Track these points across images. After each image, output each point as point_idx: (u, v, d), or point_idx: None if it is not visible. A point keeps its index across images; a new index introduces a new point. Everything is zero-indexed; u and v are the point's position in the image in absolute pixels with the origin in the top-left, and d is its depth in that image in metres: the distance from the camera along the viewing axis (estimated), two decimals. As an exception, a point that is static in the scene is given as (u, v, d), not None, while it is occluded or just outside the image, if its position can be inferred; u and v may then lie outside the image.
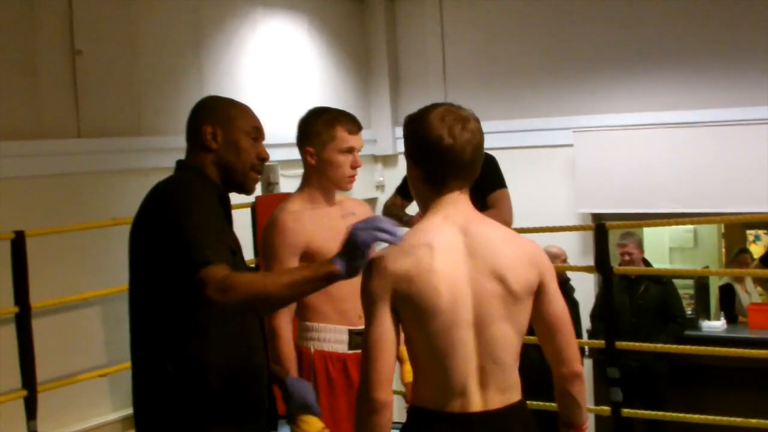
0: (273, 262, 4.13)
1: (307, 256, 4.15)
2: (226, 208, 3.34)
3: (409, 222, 6.36)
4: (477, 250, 2.99)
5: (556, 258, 7.87)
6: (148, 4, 7.27)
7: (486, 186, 6.30)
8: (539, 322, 3.11)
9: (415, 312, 2.95)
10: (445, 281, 2.93)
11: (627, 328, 7.41)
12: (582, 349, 8.00)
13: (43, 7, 6.49)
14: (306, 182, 4.37)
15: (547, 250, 7.79)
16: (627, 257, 7.80)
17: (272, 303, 3.15)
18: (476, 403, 2.99)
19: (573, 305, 8.02)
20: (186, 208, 3.13)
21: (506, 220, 6.29)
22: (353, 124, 4.31)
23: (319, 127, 4.29)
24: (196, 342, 3.14)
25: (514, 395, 3.09)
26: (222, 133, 3.35)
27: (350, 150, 4.28)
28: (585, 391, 3.21)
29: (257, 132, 3.43)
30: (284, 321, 4.13)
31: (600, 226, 6.03)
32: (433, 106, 3.16)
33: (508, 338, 3.01)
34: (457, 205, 3.10)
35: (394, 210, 6.46)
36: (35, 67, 6.43)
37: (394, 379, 3.01)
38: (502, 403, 3.03)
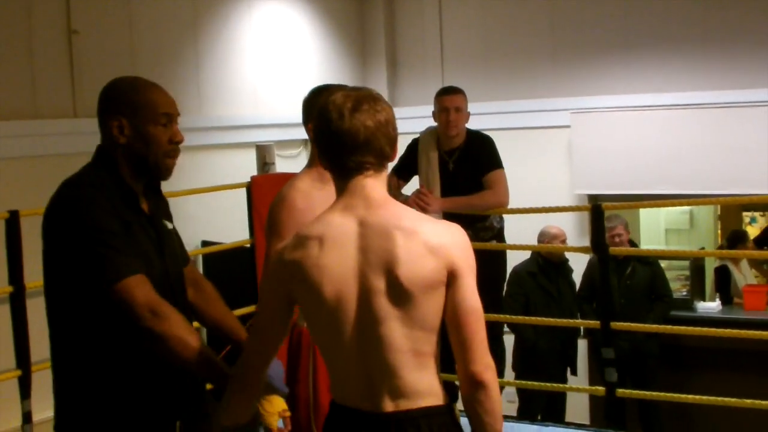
0: (275, 238, 4.09)
1: None
2: (133, 206, 3.21)
3: (404, 202, 6.37)
4: (371, 243, 2.82)
5: (555, 238, 7.88)
6: (145, -17, 7.26)
7: (482, 167, 6.32)
8: (449, 318, 2.85)
9: (304, 306, 2.88)
10: (330, 277, 2.80)
11: (616, 310, 7.43)
12: (578, 330, 8.04)
13: (39, -14, 6.48)
14: (313, 160, 4.33)
15: (545, 231, 7.81)
16: (617, 239, 7.80)
17: (172, 352, 3.04)
18: (366, 403, 2.85)
19: (571, 287, 8.04)
20: (81, 223, 3.06)
21: (502, 201, 6.31)
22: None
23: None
24: (101, 344, 3.12)
25: (415, 402, 2.87)
26: (128, 124, 3.20)
27: None
28: (494, 402, 2.87)
29: (168, 117, 3.24)
30: None
31: (596, 207, 6.01)
32: (331, 91, 3.05)
33: (399, 340, 2.80)
34: (362, 192, 2.89)
35: (389, 191, 6.45)
36: (32, 47, 6.42)
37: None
38: (395, 408, 2.83)
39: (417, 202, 6.28)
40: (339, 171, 2.92)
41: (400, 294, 2.77)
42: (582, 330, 8.21)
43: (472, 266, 2.90)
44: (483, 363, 2.84)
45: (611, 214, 7.91)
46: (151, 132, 3.20)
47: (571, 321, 7.62)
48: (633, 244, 8.22)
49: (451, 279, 2.83)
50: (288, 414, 3.63)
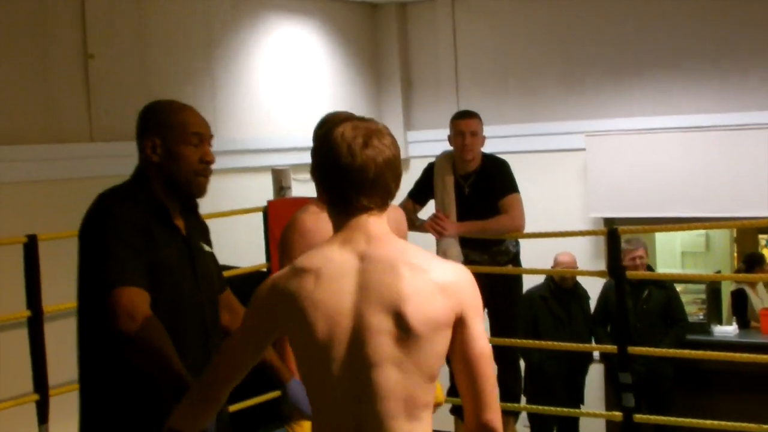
0: (287, 260, 4.15)
1: None
2: (166, 221, 3.32)
3: (420, 226, 6.38)
4: (372, 279, 2.63)
5: (567, 266, 7.86)
6: (161, 8, 7.28)
7: (497, 191, 6.32)
8: (457, 364, 2.72)
9: (294, 341, 2.71)
10: (324, 314, 2.62)
11: (631, 333, 7.40)
12: (588, 357, 7.99)
13: (56, 11, 6.51)
14: None
15: (557, 259, 7.78)
16: (638, 261, 7.78)
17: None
18: None
19: (583, 313, 8.03)
20: (98, 230, 3.20)
21: (517, 225, 6.30)
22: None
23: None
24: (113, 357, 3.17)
25: None
26: (161, 143, 3.34)
27: None
28: None
29: (198, 137, 3.38)
30: None
31: (612, 231, 6.00)
32: (338, 121, 2.87)
33: (394, 386, 2.61)
34: (364, 227, 2.72)
35: (405, 214, 6.46)
36: (48, 71, 6.45)
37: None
38: None
39: (433, 227, 6.28)
40: (342, 207, 2.75)
41: (404, 334, 2.59)
42: (598, 355, 8.19)
43: (480, 308, 2.72)
44: (495, 409, 2.73)
45: (632, 237, 7.90)
46: (182, 151, 3.33)
47: (587, 345, 7.59)
48: (649, 268, 8.20)
49: (460, 322, 2.66)
50: None
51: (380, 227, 2.75)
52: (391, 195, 2.79)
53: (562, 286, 8.00)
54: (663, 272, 8.43)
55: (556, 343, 7.03)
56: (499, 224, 6.29)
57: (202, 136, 3.39)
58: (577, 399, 7.92)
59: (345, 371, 2.61)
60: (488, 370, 2.73)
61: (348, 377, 2.61)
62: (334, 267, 2.67)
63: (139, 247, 3.14)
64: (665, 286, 8.03)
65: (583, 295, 8.11)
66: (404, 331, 2.59)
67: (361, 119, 2.86)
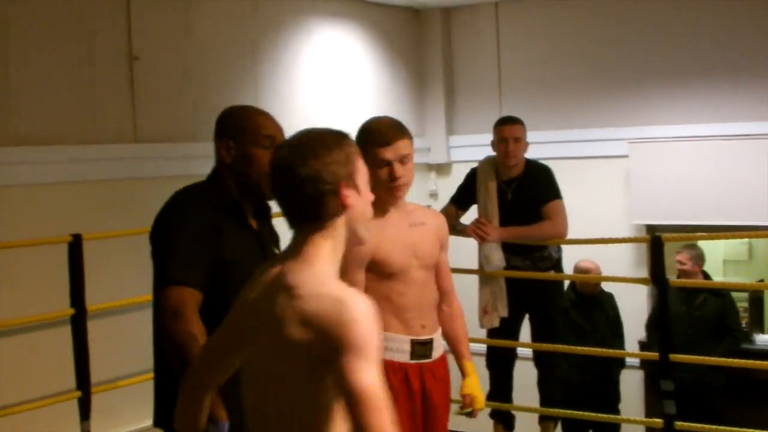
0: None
1: (373, 266, 4.16)
2: (239, 218, 3.44)
3: (463, 231, 6.39)
4: (262, 299, 2.62)
5: (589, 273, 7.77)
6: (206, 11, 7.33)
7: (540, 197, 6.32)
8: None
9: None
10: (241, 331, 2.67)
11: (682, 340, 7.34)
12: (616, 364, 7.88)
13: (101, 14, 6.56)
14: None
15: (578, 265, 7.68)
16: (678, 266, 7.75)
17: (176, 354, 3.13)
18: None
19: (607, 320, 7.92)
20: (166, 226, 3.36)
21: (560, 231, 6.29)
22: (383, 135, 4.21)
23: (361, 142, 4.17)
24: None
25: None
26: (235, 146, 3.48)
27: (387, 163, 4.18)
28: None
29: (270, 140, 3.49)
30: None
31: (656, 239, 5.95)
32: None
33: (283, 417, 2.57)
34: (288, 250, 2.70)
35: (447, 219, 6.47)
36: (93, 73, 6.50)
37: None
38: None
39: (476, 231, 6.28)
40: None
41: (278, 364, 2.55)
42: (638, 360, 8.14)
43: (361, 346, 2.44)
44: None
45: (686, 244, 7.85)
46: (253, 153, 3.47)
47: (630, 352, 7.55)
48: (706, 275, 8.12)
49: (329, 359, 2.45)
50: None
51: (300, 246, 2.68)
52: (297, 211, 2.69)
53: (584, 294, 7.91)
54: (710, 280, 8.31)
55: (599, 349, 6.98)
56: (541, 230, 6.28)
57: (274, 139, 3.50)
58: (608, 408, 7.84)
59: (248, 392, 2.71)
60: (365, 414, 2.40)
61: (250, 401, 2.70)
62: (256, 280, 2.72)
63: (204, 245, 3.26)
64: (722, 294, 7.95)
65: (608, 302, 8.02)
66: (276, 361, 2.59)
67: (318, 130, 2.79)
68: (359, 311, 2.49)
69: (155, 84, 6.88)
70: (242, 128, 3.51)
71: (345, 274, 4.09)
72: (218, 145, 3.55)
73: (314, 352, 2.46)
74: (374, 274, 4.16)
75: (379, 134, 4.19)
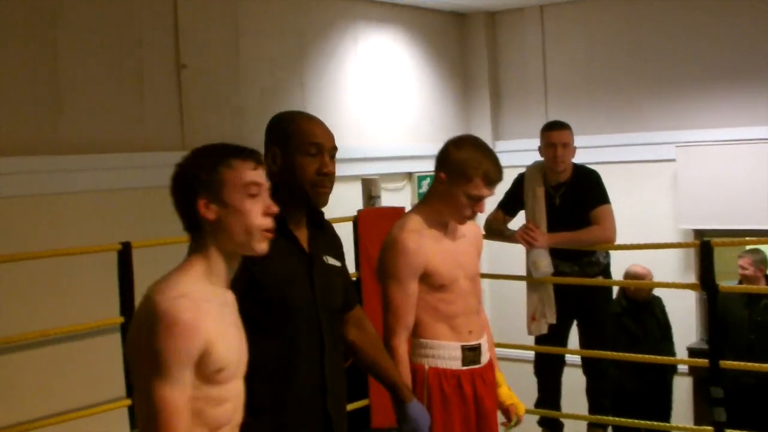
0: (392, 282, 4.15)
1: (425, 277, 4.17)
2: (282, 234, 3.25)
3: (511, 237, 6.36)
4: None
5: (641, 278, 7.71)
6: (252, 18, 7.36)
7: (589, 202, 6.28)
8: None
9: None
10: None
11: (744, 345, 7.27)
12: (670, 371, 7.80)
13: (150, 23, 6.61)
14: (427, 201, 4.34)
15: (630, 270, 7.62)
16: (743, 271, 7.67)
17: None
18: None
19: (659, 326, 7.86)
20: None
21: (609, 236, 6.25)
22: (495, 175, 4.20)
23: (462, 162, 4.17)
24: None
25: None
26: (280, 153, 3.35)
27: (479, 198, 4.20)
28: None
29: (317, 147, 3.36)
30: (402, 341, 4.16)
31: (705, 244, 5.88)
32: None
33: None
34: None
35: (495, 225, 6.47)
36: (142, 81, 6.55)
37: None
38: None
39: (524, 237, 6.26)
40: None
41: None
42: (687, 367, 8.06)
43: (155, 355, 2.53)
44: None
45: (750, 248, 7.78)
46: (298, 161, 3.33)
47: (679, 359, 7.48)
48: (769, 280, 8.02)
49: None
50: None
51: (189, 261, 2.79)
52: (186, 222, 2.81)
53: (636, 300, 7.82)
54: (758, 286, 8.20)
55: (652, 356, 6.91)
56: (590, 235, 6.24)
57: (321, 146, 3.38)
58: (661, 415, 7.76)
59: None
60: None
61: None
62: None
63: None
64: (787, 298, 7.87)
65: (658, 307, 7.95)
66: None
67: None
68: (165, 317, 2.55)
69: (203, 91, 6.92)
70: (288, 135, 3.37)
71: (399, 282, 4.12)
72: (265, 153, 3.38)
73: (131, 352, 2.62)
74: (425, 285, 4.17)
75: (492, 172, 4.17)
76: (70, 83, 6.18)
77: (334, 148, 3.45)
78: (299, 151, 3.34)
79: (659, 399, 7.79)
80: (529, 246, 6.27)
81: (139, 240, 5.62)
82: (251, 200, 2.76)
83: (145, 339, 2.55)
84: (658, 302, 7.96)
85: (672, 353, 7.68)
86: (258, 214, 2.76)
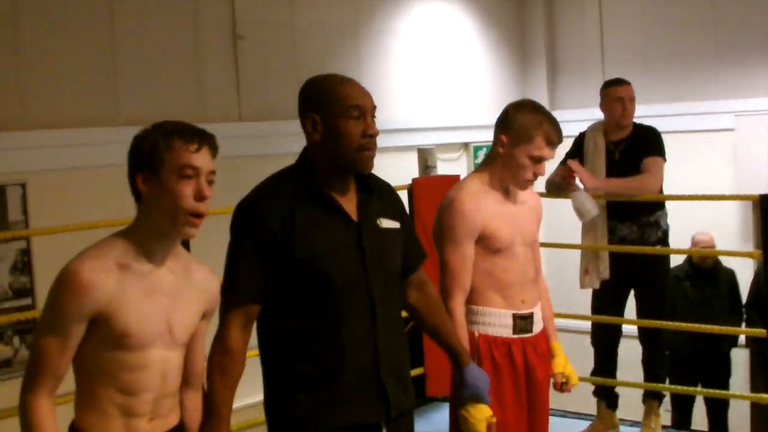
0: (449, 242, 4.16)
1: (482, 240, 4.18)
2: (325, 206, 3.25)
3: (566, 188, 6.28)
4: None
5: (706, 245, 7.69)
6: (308, -11, 7.39)
7: (644, 150, 6.22)
8: None
9: None
10: None
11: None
12: (728, 340, 7.75)
13: (206, -6, 6.66)
14: (487, 165, 4.32)
15: (695, 238, 7.60)
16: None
17: (208, 385, 3.20)
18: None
19: (720, 296, 7.83)
20: (231, 234, 3.31)
21: (652, 186, 6.17)
22: (555, 136, 4.18)
23: (522, 124, 4.17)
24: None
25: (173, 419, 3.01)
26: (321, 120, 3.25)
27: (540, 159, 4.19)
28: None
29: (358, 110, 3.24)
30: (459, 303, 4.16)
31: (764, 198, 5.67)
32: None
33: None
34: None
35: (555, 179, 6.38)
36: (199, 53, 6.61)
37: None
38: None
39: (564, 176, 6.17)
40: None
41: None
42: (744, 339, 8.00)
43: (47, 305, 2.86)
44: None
45: None
46: (342, 126, 3.23)
47: (734, 329, 7.43)
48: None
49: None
50: (494, 420, 3.73)
51: None
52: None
53: (701, 267, 7.84)
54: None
55: (703, 326, 6.87)
56: (635, 183, 6.15)
57: (363, 108, 3.26)
58: (717, 383, 7.74)
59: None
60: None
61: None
62: None
63: (265, 247, 3.18)
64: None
65: (724, 278, 7.92)
66: None
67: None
68: (65, 274, 2.75)
69: (259, 63, 6.96)
70: (327, 101, 3.25)
71: (456, 242, 4.12)
72: (303, 121, 3.32)
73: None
74: (481, 248, 4.17)
75: (552, 131, 4.16)
76: (126, 56, 6.25)
77: (374, 108, 3.33)
78: (342, 116, 3.23)
79: (713, 367, 7.77)
80: (569, 186, 6.16)
81: (197, 210, 5.67)
82: (183, 182, 2.81)
83: (48, 294, 2.78)
84: (725, 274, 7.93)
85: (734, 325, 7.65)
86: (188, 196, 2.81)
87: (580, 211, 6.07)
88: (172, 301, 2.90)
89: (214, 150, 2.91)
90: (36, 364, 2.76)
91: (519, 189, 4.31)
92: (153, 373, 2.86)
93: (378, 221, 3.37)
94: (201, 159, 2.85)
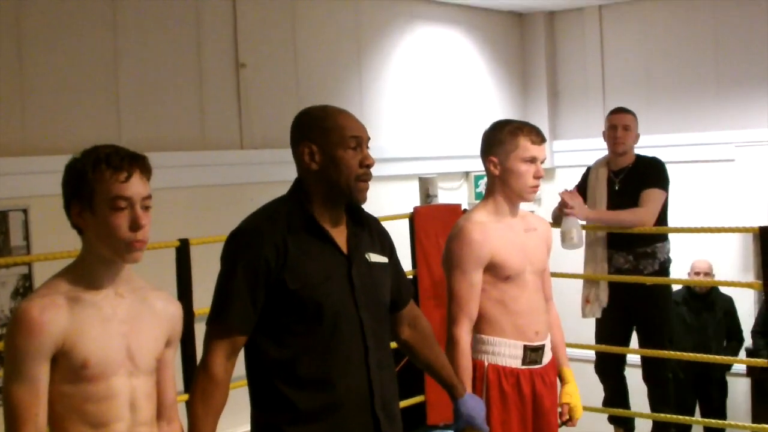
0: (457, 271, 4.17)
1: (491, 268, 4.18)
2: (318, 236, 3.24)
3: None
4: None
5: (703, 272, 7.79)
6: (310, 17, 7.42)
7: (643, 182, 6.24)
8: None
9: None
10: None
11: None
12: (721, 367, 7.79)
13: (209, 22, 6.69)
14: (490, 193, 4.35)
15: (694, 265, 7.66)
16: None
17: (189, 410, 3.22)
18: None
19: (716, 321, 7.88)
20: (222, 261, 3.29)
21: (643, 219, 6.16)
22: (536, 135, 4.23)
23: (502, 137, 4.24)
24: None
25: None
26: (319, 150, 3.23)
27: (533, 160, 4.21)
28: None
29: (356, 140, 3.25)
30: (465, 331, 4.17)
31: (764, 230, 5.68)
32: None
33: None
34: None
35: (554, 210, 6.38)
36: (201, 81, 6.63)
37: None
38: None
39: (559, 205, 6.14)
40: None
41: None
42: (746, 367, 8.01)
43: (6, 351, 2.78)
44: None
45: None
46: (341, 155, 3.22)
47: (736, 359, 7.43)
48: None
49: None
50: None
51: None
52: None
53: (695, 293, 8.02)
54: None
55: (705, 355, 6.87)
56: (626, 216, 6.14)
57: (360, 139, 3.27)
58: (715, 405, 7.77)
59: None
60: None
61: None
62: None
63: (257, 276, 3.16)
64: None
65: (720, 304, 7.99)
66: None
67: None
68: (17, 317, 2.71)
69: (261, 90, 6.98)
70: (325, 130, 3.24)
71: (464, 272, 4.13)
72: (299, 151, 3.27)
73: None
74: (491, 276, 4.18)
75: (531, 131, 4.22)
76: (131, 83, 6.27)
77: (369, 139, 3.34)
78: (341, 146, 3.22)
79: (710, 391, 7.84)
80: (562, 213, 6.12)
81: (198, 237, 5.68)
82: (116, 214, 2.77)
83: (5, 340, 2.75)
84: (722, 300, 7.98)
85: (725, 351, 7.69)
86: (123, 228, 2.77)
87: (563, 236, 6.00)
88: (130, 327, 2.85)
89: (146, 173, 2.85)
90: (14, 418, 2.69)
91: (527, 200, 4.34)
92: (120, 402, 2.82)
93: (367, 255, 3.37)
94: (132, 188, 2.79)
